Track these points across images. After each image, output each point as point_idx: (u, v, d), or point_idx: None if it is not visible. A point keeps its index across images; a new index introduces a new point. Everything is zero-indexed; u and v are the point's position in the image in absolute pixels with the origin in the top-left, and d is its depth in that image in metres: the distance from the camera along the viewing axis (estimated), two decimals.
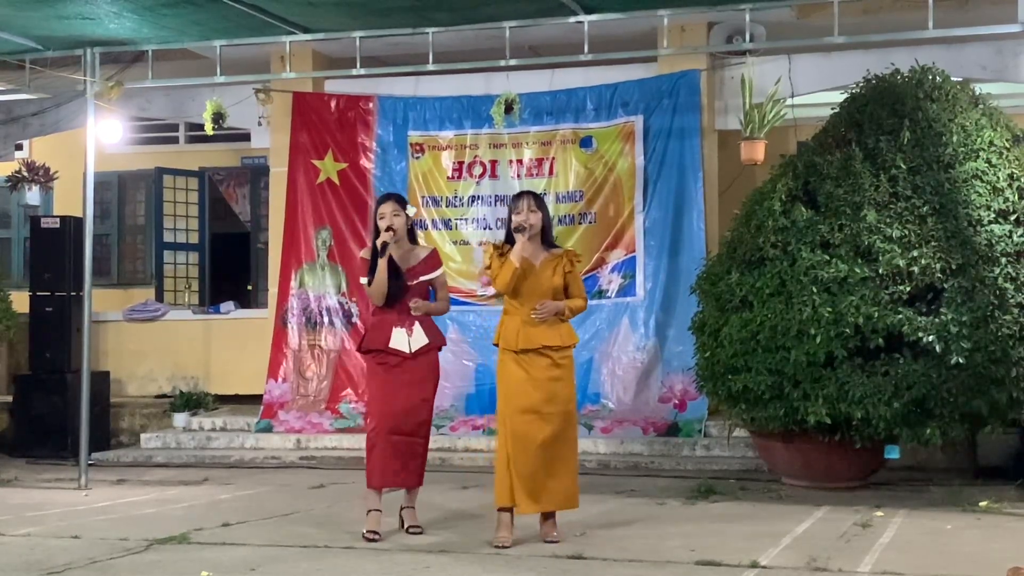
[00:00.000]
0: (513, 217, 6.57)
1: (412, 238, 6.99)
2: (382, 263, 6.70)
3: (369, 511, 6.71)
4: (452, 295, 11.07)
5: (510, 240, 6.58)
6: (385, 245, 6.69)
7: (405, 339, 6.79)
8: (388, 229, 6.72)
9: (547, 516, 6.54)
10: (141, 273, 14.23)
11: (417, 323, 6.82)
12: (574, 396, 6.64)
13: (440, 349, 7.01)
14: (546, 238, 6.66)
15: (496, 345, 6.66)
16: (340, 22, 9.22)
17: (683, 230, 10.85)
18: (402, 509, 6.90)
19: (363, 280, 6.91)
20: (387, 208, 6.80)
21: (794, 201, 8.51)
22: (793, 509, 7.62)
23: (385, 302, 6.79)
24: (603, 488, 8.65)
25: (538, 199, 6.67)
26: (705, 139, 10.95)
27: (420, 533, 6.75)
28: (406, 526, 6.83)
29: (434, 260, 6.99)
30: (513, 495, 6.41)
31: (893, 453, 8.10)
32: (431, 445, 10.12)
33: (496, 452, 6.63)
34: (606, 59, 9.90)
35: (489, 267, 6.67)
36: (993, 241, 7.96)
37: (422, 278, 6.87)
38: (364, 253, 6.97)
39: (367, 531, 6.62)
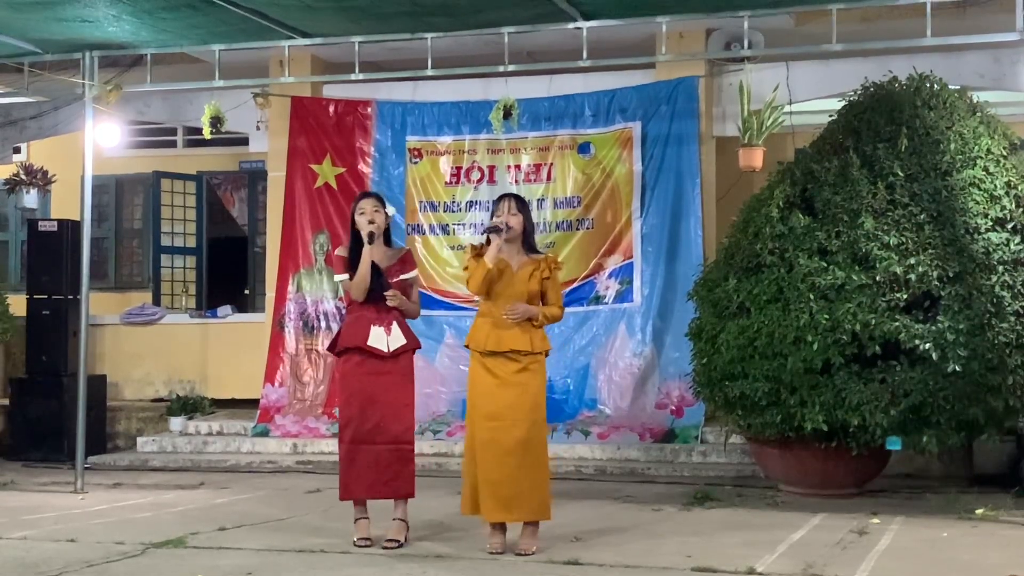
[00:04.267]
0: (495, 220, 6.57)
1: (387, 239, 6.85)
2: (366, 255, 6.60)
3: (356, 520, 6.67)
4: (449, 300, 11.28)
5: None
6: (372, 235, 6.60)
7: (384, 338, 6.66)
8: (371, 223, 6.65)
9: (527, 526, 6.43)
10: (138, 277, 14.23)
11: (395, 323, 6.70)
12: (542, 403, 6.47)
13: (414, 352, 6.86)
14: (527, 242, 6.59)
15: (468, 347, 6.61)
16: (339, 27, 9.22)
17: (680, 236, 10.84)
18: (393, 520, 6.74)
19: (339, 277, 6.82)
20: (368, 204, 6.73)
21: (791, 208, 8.51)
22: (789, 516, 7.62)
23: (365, 299, 6.66)
24: (599, 494, 8.66)
25: (520, 202, 6.62)
26: (703, 145, 10.95)
27: (394, 547, 6.52)
28: (386, 537, 6.63)
29: (410, 260, 6.90)
30: (477, 503, 6.37)
31: (895, 445, 8.06)
32: (428, 450, 10.30)
33: (463, 457, 6.62)
34: (604, 65, 9.92)
35: (467, 268, 6.65)
36: (990, 249, 7.98)
37: (401, 276, 6.76)
38: (341, 251, 6.83)
39: (357, 539, 6.58)
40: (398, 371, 6.70)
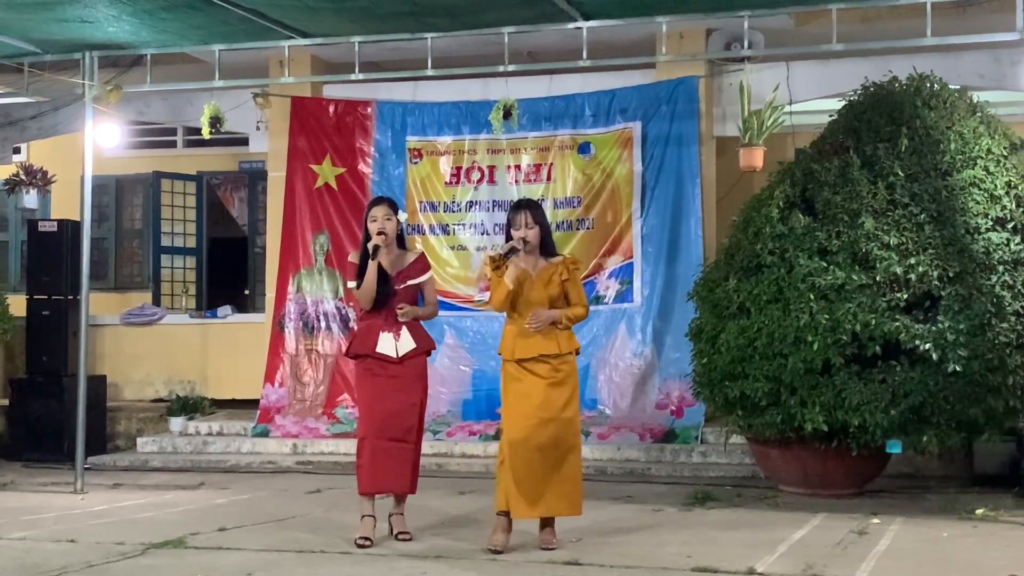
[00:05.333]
0: (512, 233, 6.57)
1: (401, 243, 6.98)
2: (372, 266, 6.69)
3: (363, 517, 6.72)
4: (449, 300, 11.24)
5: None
6: (377, 248, 6.69)
7: (392, 344, 6.77)
8: (380, 233, 6.71)
9: (546, 523, 6.52)
10: (138, 277, 14.23)
11: (405, 327, 6.80)
12: (574, 402, 6.55)
13: (429, 354, 6.99)
14: (545, 248, 6.62)
15: (500, 355, 6.66)
16: (339, 27, 9.22)
17: (681, 236, 10.84)
18: (391, 516, 6.88)
19: (351, 284, 6.89)
20: (379, 212, 6.79)
21: (792, 208, 8.51)
22: (790, 516, 7.62)
23: (373, 306, 6.78)
24: (600, 494, 8.64)
25: (535, 212, 6.62)
26: (703, 146, 10.95)
27: (409, 539, 6.72)
28: (395, 532, 6.81)
29: (422, 264, 6.98)
30: (508, 500, 6.42)
31: (895, 448, 8.07)
32: (428, 450, 10.26)
33: (497, 460, 6.64)
34: (604, 65, 9.91)
35: (488, 278, 6.68)
36: (990, 249, 7.97)
37: (410, 282, 6.85)
38: (353, 257, 6.91)
39: (359, 537, 6.62)
40: (408, 374, 6.80)
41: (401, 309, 6.76)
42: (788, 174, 8.77)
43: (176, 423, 11.56)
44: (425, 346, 6.91)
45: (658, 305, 10.82)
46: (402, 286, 6.81)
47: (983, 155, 8.37)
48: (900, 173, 8.28)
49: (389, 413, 6.71)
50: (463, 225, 11.49)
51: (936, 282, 7.93)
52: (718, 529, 7.16)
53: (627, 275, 11.00)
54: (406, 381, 6.77)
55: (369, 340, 6.79)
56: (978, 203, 8.13)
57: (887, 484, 8.77)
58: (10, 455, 11.28)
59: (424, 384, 6.92)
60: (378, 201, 6.97)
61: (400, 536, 6.76)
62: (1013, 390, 7.84)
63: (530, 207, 6.66)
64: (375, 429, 6.71)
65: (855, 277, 8.01)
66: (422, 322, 6.95)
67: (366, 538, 6.61)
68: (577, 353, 6.66)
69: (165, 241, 13.73)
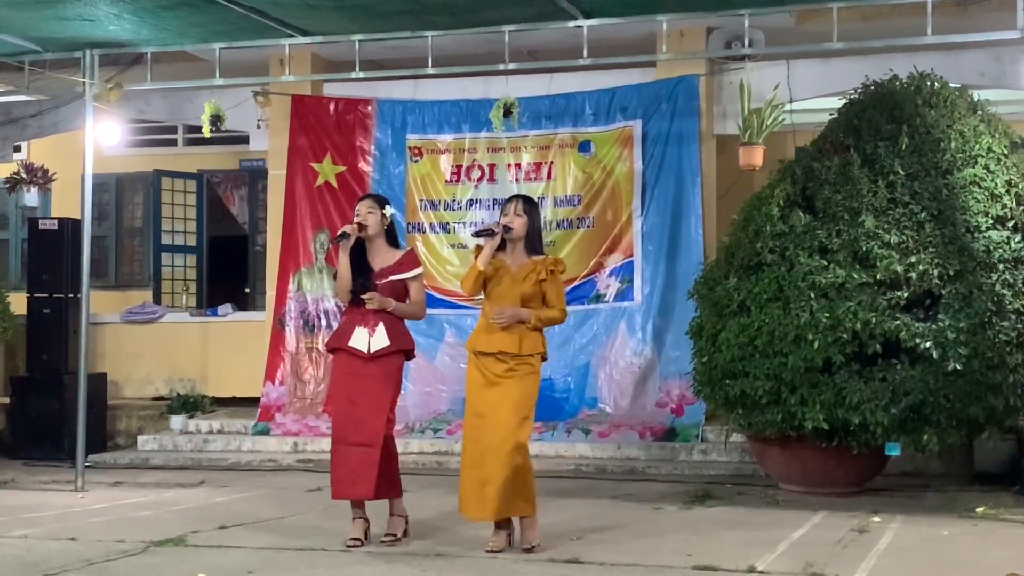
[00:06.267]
0: (500, 219, 6.56)
1: (391, 240, 6.83)
2: (343, 255, 6.59)
3: (353, 519, 6.67)
4: (450, 299, 11.26)
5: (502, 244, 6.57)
6: (345, 235, 6.59)
7: (365, 339, 6.61)
8: (359, 224, 6.64)
9: (523, 521, 6.42)
10: (139, 275, 14.23)
11: (382, 324, 6.62)
12: (525, 405, 6.35)
13: (408, 356, 6.82)
14: (530, 244, 6.55)
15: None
16: (339, 25, 9.22)
17: (681, 235, 10.84)
18: (390, 516, 6.79)
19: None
20: (363, 206, 6.74)
21: (792, 206, 8.51)
22: (790, 514, 7.63)
23: (353, 300, 6.65)
24: (600, 492, 8.66)
25: (528, 204, 6.59)
26: (703, 144, 10.94)
27: (393, 542, 6.60)
28: (383, 535, 6.69)
29: (409, 261, 6.79)
30: (461, 501, 6.39)
31: (894, 450, 8.08)
32: (428, 449, 10.32)
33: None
34: (605, 64, 9.91)
35: None
36: (991, 247, 7.98)
37: (392, 278, 6.68)
38: None
39: (349, 539, 6.58)
40: (378, 374, 6.63)
41: (369, 296, 6.57)
42: (788, 172, 8.77)
43: (176, 421, 11.56)
44: (401, 345, 6.70)
45: (658, 303, 10.82)
46: (384, 281, 6.66)
47: (983, 153, 8.37)
48: (900, 171, 8.28)
49: (357, 418, 6.58)
50: (463, 224, 11.48)
51: (936, 280, 7.93)
52: (718, 527, 7.17)
53: (627, 273, 11.00)
54: (375, 382, 6.60)
55: (345, 333, 6.70)
56: (978, 201, 8.13)
57: (887, 482, 8.77)
58: (11, 453, 11.29)
59: (395, 385, 6.71)
60: (364, 196, 6.96)
61: (383, 539, 6.62)
62: (1013, 388, 7.84)
63: (524, 198, 6.65)
64: (342, 434, 6.62)
65: (855, 275, 8.01)
66: (407, 322, 6.80)
67: (356, 539, 6.58)
68: (544, 359, 6.53)
69: (165, 239, 13.72)
